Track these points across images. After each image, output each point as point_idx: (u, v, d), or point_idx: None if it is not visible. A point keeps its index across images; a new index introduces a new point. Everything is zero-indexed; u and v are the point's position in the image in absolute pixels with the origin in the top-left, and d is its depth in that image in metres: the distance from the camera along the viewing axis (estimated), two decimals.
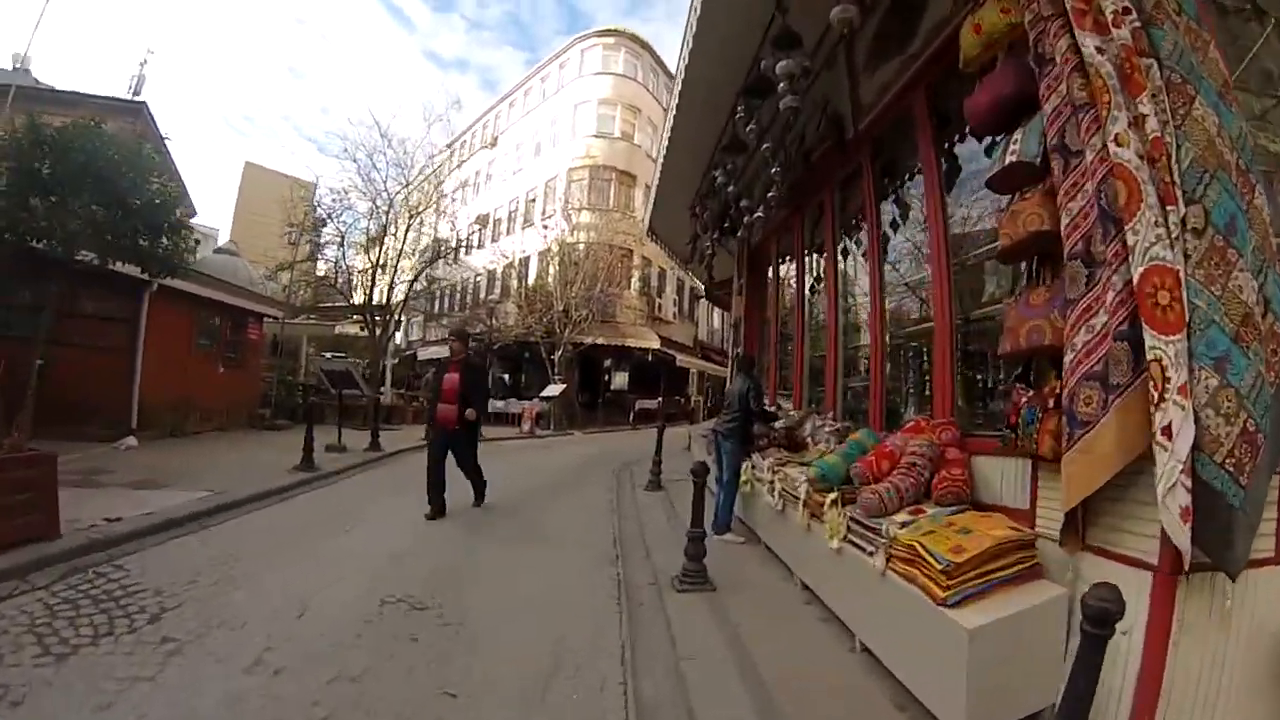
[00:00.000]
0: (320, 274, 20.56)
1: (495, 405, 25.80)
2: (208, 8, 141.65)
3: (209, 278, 14.98)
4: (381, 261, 19.70)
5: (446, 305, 38.12)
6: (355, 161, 19.44)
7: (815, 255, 8.67)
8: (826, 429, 6.88)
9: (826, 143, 7.30)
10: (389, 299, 20.59)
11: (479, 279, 36.18)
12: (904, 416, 6.18)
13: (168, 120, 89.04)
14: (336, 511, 7.92)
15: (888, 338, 6.46)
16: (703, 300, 39.11)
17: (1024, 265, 4.25)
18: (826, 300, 7.79)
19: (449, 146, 30.35)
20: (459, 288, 37.79)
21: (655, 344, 28.97)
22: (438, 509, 7.86)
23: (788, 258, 9.67)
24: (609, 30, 34.62)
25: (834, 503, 4.64)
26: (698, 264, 12.22)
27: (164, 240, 9.23)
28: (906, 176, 6.52)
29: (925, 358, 5.98)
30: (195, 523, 6.91)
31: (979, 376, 5.32)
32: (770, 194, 7.48)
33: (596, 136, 32.06)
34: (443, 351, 33.22)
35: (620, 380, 32.57)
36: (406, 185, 20.05)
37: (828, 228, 7.88)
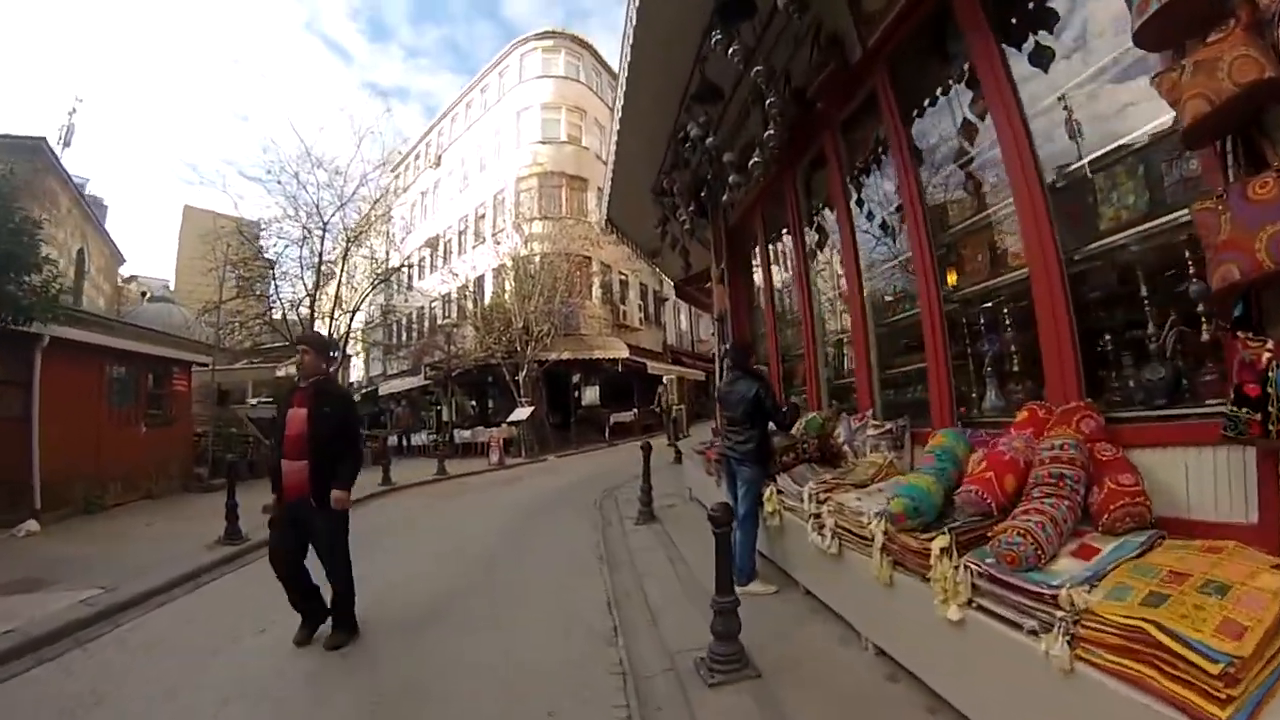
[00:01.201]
0: (257, 314, 18.43)
1: (462, 435, 24.06)
2: (140, 58, 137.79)
3: (121, 325, 13.12)
4: (319, 292, 17.73)
5: (404, 336, 36.11)
6: (280, 184, 17.55)
7: (818, 217, 7.12)
8: (871, 432, 5.29)
9: (829, 68, 5.72)
10: (330, 332, 18.59)
11: (434, 305, 34.24)
12: (985, 404, 4.61)
13: (106, 172, 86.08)
14: (253, 603, 6.05)
15: (943, 300, 4.88)
16: (669, 303, 37.61)
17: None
18: (845, 267, 6.21)
19: (392, 170, 28.45)
20: (415, 316, 35.81)
21: (624, 353, 27.23)
22: (310, 624, 4.90)
23: (782, 230, 8.09)
24: (547, 33, 32.94)
25: (946, 551, 3.01)
26: (670, 250, 10.58)
27: (12, 278, 7.43)
28: (940, 93, 5.02)
29: (1009, 319, 4.43)
30: (69, 639, 5.24)
31: (1106, 335, 3.75)
32: (769, 132, 5.85)
33: (542, 143, 30.36)
34: (405, 384, 32.11)
35: (591, 395, 30.82)
36: (340, 206, 18.13)
37: (834, 178, 6.33)
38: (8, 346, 9.91)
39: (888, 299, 5.94)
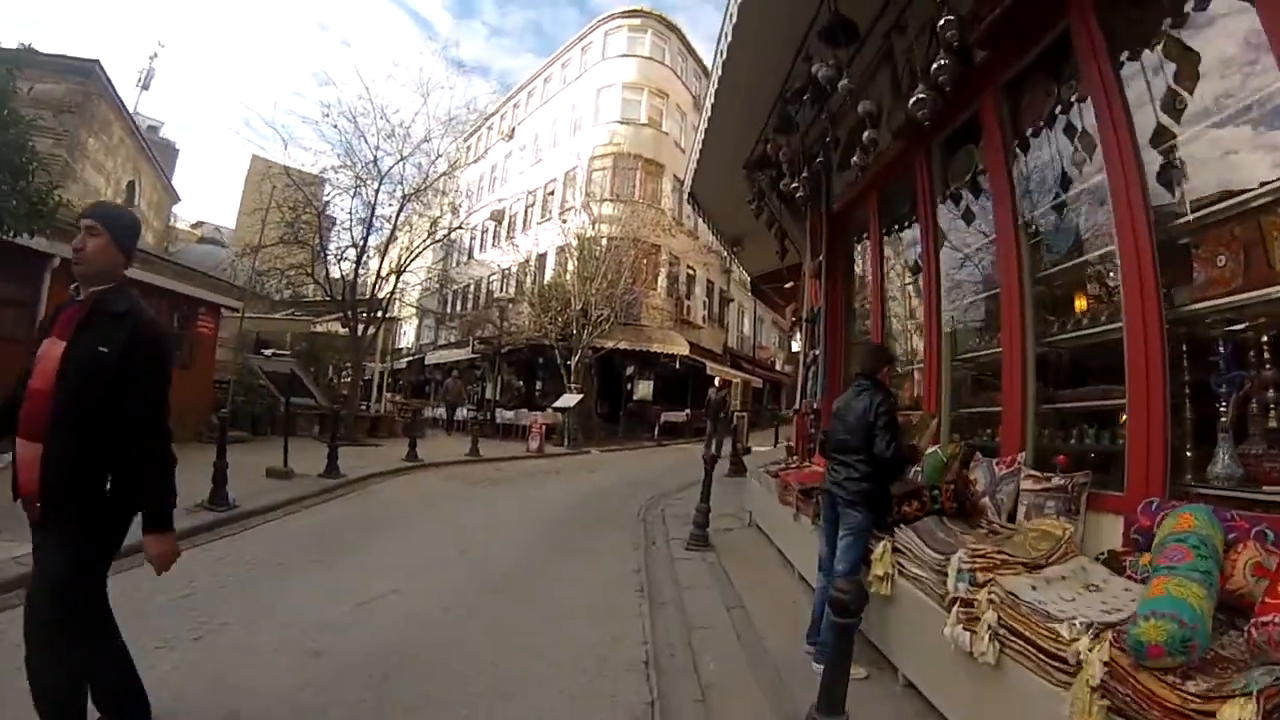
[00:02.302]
0: (298, 263, 17.31)
1: (504, 416, 22.99)
2: (230, 16, 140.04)
3: (146, 255, 12.19)
4: (367, 246, 16.67)
5: (459, 306, 35.24)
6: (336, 127, 16.47)
7: (954, 204, 5.73)
8: (1029, 485, 3.92)
9: (994, 10, 4.34)
10: (373, 291, 17.52)
11: (493, 278, 33.31)
12: (1215, 468, 3.21)
13: (184, 119, 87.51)
14: (186, 595, 4.95)
15: (1164, 315, 3.47)
16: (733, 304, 36.10)
17: None
18: (1001, 262, 4.78)
19: (464, 139, 27.49)
20: (472, 288, 34.95)
21: (684, 350, 25.82)
22: None
23: (903, 220, 6.68)
24: (634, 11, 31.53)
25: None
26: (765, 230, 9.13)
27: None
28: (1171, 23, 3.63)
29: (1270, 350, 3.07)
30: None
31: None
32: (940, 63, 4.46)
33: (621, 123, 29.07)
34: (452, 356, 31.14)
35: (644, 390, 29.45)
36: (401, 160, 16.98)
37: (991, 151, 4.94)
38: (20, 265, 9.09)
39: (1058, 308, 4.53)
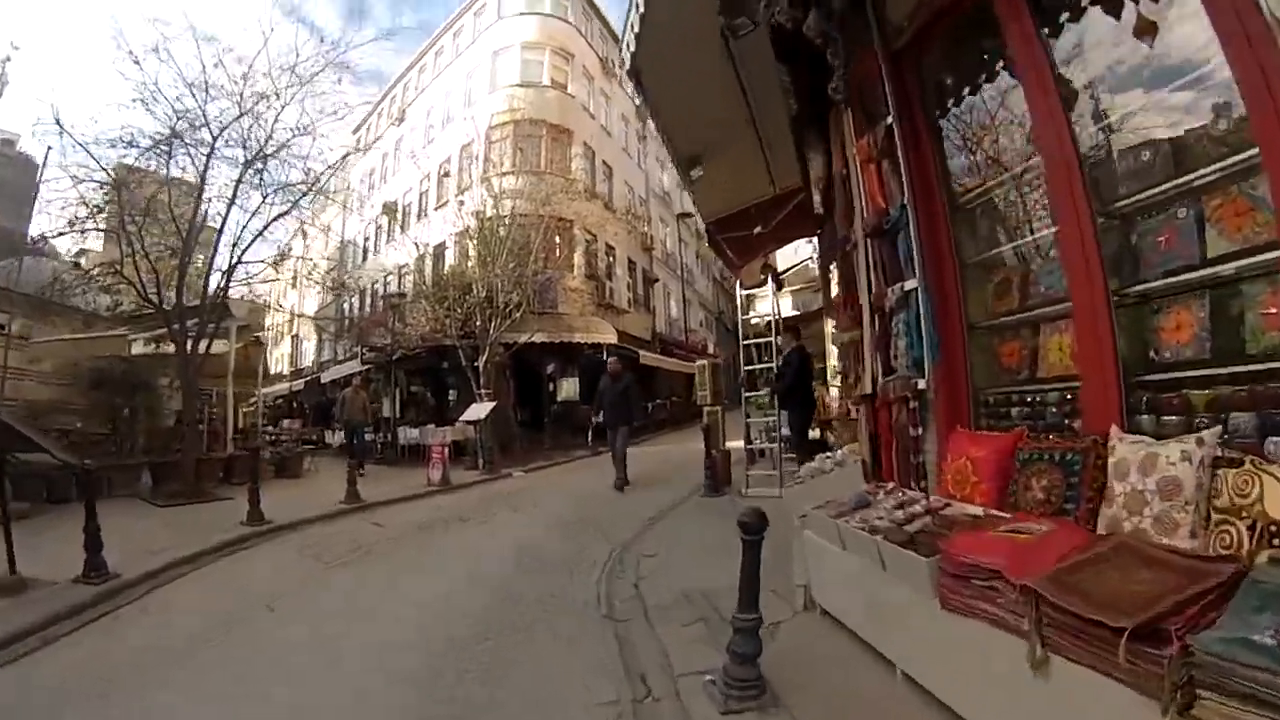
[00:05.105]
0: (104, 262, 12.75)
1: (409, 435, 19.12)
2: (100, 25, 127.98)
3: None
4: (192, 231, 12.16)
5: (357, 313, 30.63)
6: (138, 63, 11.98)
7: None
8: None
9: None
10: (205, 293, 12.49)
11: (388, 278, 28.99)
12: None
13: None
14: None
15: None
16: (658, 284, 32.68)
17: None
18: None
19: (354, 132, 23.34)
20: (367, 293, 30.47)
21: (611, 337, 22.21)
22: None
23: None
24: None
25: None
26: (745, 135, 5.55)
27: None
28: None
29: None
30: None
31: None
32: None
33: (521, 86, 25.36)
34: (345, 370, 25.80)
35: (569, 388, 25.59)
36: (239, 115, 12.60)
37: None
38: None
39: None
